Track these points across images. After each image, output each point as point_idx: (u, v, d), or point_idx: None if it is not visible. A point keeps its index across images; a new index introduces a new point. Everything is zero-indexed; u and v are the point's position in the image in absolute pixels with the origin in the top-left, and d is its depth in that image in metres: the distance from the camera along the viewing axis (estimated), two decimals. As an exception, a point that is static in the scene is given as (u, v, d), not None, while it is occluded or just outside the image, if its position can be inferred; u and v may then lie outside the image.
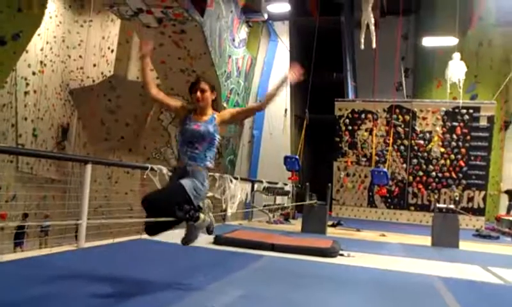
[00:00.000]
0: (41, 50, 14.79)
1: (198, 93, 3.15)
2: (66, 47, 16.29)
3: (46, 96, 15.17)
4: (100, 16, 16.65)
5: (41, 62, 14.76)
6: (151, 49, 3.26)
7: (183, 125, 3.16)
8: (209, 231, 3.31)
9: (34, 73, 14.43)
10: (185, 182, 2.96)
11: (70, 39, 16.49)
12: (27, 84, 14.20)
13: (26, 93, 14.18)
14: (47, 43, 15.06)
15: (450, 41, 12.86)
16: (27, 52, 13.02)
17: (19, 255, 4.25)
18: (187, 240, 3.26)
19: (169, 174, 3.23)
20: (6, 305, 2.50)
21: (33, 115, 14.55)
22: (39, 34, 13.87)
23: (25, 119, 14.19)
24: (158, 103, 3.36)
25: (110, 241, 5.10)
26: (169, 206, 2.91)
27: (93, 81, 16.57)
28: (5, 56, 10.31)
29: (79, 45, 16.69)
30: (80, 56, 16.66)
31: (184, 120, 3.17)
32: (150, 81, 3.23)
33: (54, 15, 15.40)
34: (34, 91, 14.54)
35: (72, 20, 16.60)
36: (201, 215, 3.11)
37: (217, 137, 3.17)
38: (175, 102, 3.34)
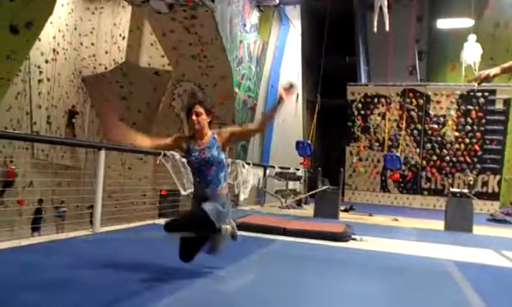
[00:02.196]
0: (54, 38, 14.86)
1: (194, 117, 3.17)
2: (78, 34, 16.35)
3: (59, 84, 15.30)
4: (111, 3, 16.65)
5: (53, 50, 14.85)
6: (115, 122, 3.36)
7: (189, 157, 3.23)
8: (233, 237, 3.33)
9: (47, 61, 14.54)
10: (207, 206, 3.01)
11: (82, 27, 16.54)
12: (41, 72, 14.32)
13: (40, 81, 14.31)
14: (59, 31, 15.13)
15: (466, 22, 12.59)
16: (39, 40, 13.08)
17: (36, 240, 4.34)
18: (212, 250, 3.27)
19: (192, 198, 3.27)
20: (25, 289, 2.57)
21: (47, 103, 14.70)
22: (51, 22, 13.92)
23: (40, 107, 14.34)
24: (160, 149, 3.46)
25: (125, 226, 5.19)
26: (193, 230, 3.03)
27: (105, 68, 16.64)
28: (18, 45, 10.37)
29: (91, 32, 16.73)
30: (92, 43, 16.71)
31: (188, 152, 3.22)
32: (141, 141, 3.29)
33: (65, 3, 15.44)
34: (48, 79, 14.67)
35: (84, 7, 16.63)
36: (223, 227, 3.14)
37: (224, 157, 3.20)
38: (171, 139, 3.37)
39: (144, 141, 3.30)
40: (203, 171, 3.14)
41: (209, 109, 3.26)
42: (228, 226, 3.18)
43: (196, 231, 3.04)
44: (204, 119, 3.19)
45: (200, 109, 3.19)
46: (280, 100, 3.10)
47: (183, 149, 3.29)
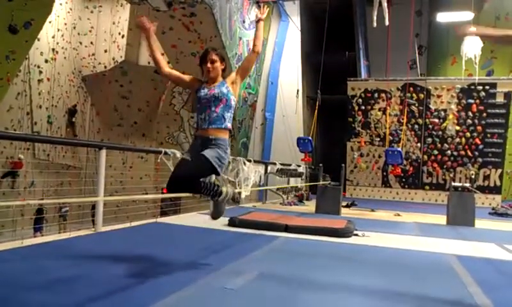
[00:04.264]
0: (53, 37, 14.85)
1: (209, 64, 3.23)
2: (77, 33, 16.33)
3: (59, 84, 15.29)
4: (110, 1, 16.62)
5: (53, 49, 14.83)
6: (150, 25, 3.30)
7: (198, 94, 3.26)
8: (235, 199, 3.40)
9: (46, 61, 14.53)
10: (209, 153, 3.09)
11: (81, 26, 16.52)
12: (40, 72, 14.32)
13: (40, 80, 14.30)
14: (58, 30, 15.11)
15: (466, 16, 12.54)
16: (38, 40, 13.08)
17: (39, 240, 4.35)
18: (216, 214, 3.41)
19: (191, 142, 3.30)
20: (28, 289, 2.58)
21: (47, 102, 14.70)
22: (50, 22, 13.91)
23: (40, 106, 14.35)
24: (172, 79, 3.47)
25: (127, 225, 5.19)
26: (195, 180, 3.08)
27: (105, 67, 16.63)
28: (17, 45, 10.37)
29: (90, 31, 16.71)
30: (91, 42, 16.70)
31: (198, 90, 3.28)
32: (160, 59, 3.33)
33: (64, 2, 15.41)
34: (48, 79, 14.67)
35: (82, 6, 16.60)
36: (223, 189, 3.23)
37: (232, 97, 3.26)
38: (187, 76, 3.45)
39: (164, 66, 3.33)
40: (211, 107, 3.18)
41: (223, 57, 3.34)
42: (228, 189, 3.23)
43: (199, 187, 3.10)
44: (218, 66, 3.25)
45: (215, 57, 3.25)
46: (258, 20, 3.30)
47: (194, 87, 3.34)
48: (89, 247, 3.93)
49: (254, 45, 3.39)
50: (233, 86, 3.28)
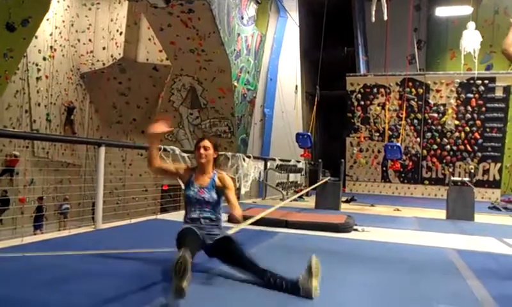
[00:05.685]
0: (51, 35, 14.81)
1: (202, 150, 3.26)
2: (75, 30, 16.29)
3: (58, 81, 15.27)
4: (108, -2, 16.57)
5: (51, 47, 14.80)
6: (163, 131, 3.26)
7: (188, 191, 3.27)
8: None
9: (44, 59, 14.50)
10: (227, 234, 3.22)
11: (79, 23, 16.47)
12: (39, 70, 14.29)
13: (38, 78, 14.28)
14: (56, 27, 15.07)
15: (465, 10, 12.53)
16: (36, 37, 13.04)
17: (39, 237, 4.35)
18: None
19: (187, 226, 3.21)
20: (29, 287, 2.58)
21: (46, 100, 14.68)
22: (48, 19, 13.87)
23: (39, 104, 14.32)
24: (162, 174, 3.48)
25: (126, 222, 5.19)
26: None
27: (103, 64, 16.60)
28: (15, 42, 10.35)
29: (88, 28, 16.67)
30: (89, 40, 16.66)
31: (188, 185, 3.28)
32: (155, 160, 3.27)
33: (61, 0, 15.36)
34: (46, 77, 14.64)
35: (80, 3, 16.55)
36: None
37: (221, 199, 3.29)
38: (178, 166, 3.47)
39: (155, 164, 3.26)
40: (201, 205, 3.22)
41: (217, 145, 3.37)
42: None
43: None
44: (211, 154, 3.28)
45: (208, 144, 3.28)
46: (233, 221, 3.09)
47: (183, 179, 3.35)
48: (89, 244, 3.93)
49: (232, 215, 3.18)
50: (220, 188, 3.26)
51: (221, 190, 3.27)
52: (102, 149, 4.76)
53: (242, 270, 2.95)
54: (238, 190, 8.09)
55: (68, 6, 15.83)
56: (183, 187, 3.40)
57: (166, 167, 3.44)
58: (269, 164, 9.96)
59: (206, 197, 3.22)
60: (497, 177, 11.93)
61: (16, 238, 4.06)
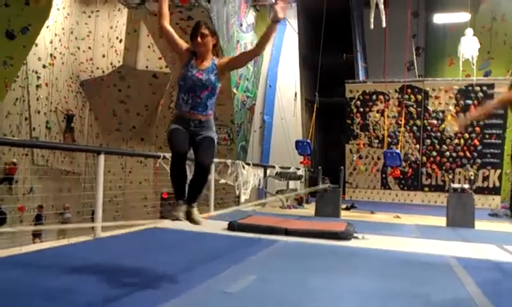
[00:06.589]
0: (51, 42, 14.86)
1: (199, 38, 3.15)
2: (74, 38, 16.34)
3: (57, 89, 15.29)
4: (107, 6, 16.64)
5: (51, 55, 14.84)
6: None
7: (185, 71, 3.16)
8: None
9: (44, 66, 14.53)
10: (214, 135, 3.18)
11: (79, 31, 16.53)
12: (38, 77, 14.31)
13: (38, 86, 14.30)
14: (56, 35, 15.12)
15: (462, 17, 12.58)
16: (36, 45, 13.09)
17: (38, 246, 4.33)
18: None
19: (174, 125, 3.19)
20: (26, 296, 2.56)
21: (45, 108, 14.69)
22: (47, 27, 13.93)
23: (38, 112, 14.33)
24: (166, 37, 3.32)
25: (126, 230, 5.17)
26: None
27: (103, 72, 16.64)
28: (15, 50, 10.39)
29: (88, 36, 16.73)
30: (89, 47, 16.71)
31: (186, 65, 3.18)
32: (165, 14, 3.27)
33: (61, 7, 15.43)
34: (46, 84, 14.66)
35: (80, 11, 16.62)
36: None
37: (219, 85, 3.20)
38: (182, 42, 3.31)
39: (165, 21, 3.26)
40: (195, 91, 3.11)
41: (214, 31, 3.26)
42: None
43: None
44: (209, 41, 3.18)
45: (206, 31, 3.17)
46: (276, 19, 2.96)
47: (182, 58, 3.24)
48: (88, 253, 3.92)
49: (258, 46, 3.25)
50: (221, 72, 3.18)
51: (224, 68, 3.19)
52: (102, 157, 4.75)
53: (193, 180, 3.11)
54: (238, 197, 8.09)
55: (68, 14, 15.90)
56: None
57: (171, 33, 3.29)
58: (268, 171, 9.95)
59: (203, 79, 3.10)
60: (497, 184, 11.91)
61: (15, 246, 4.04)
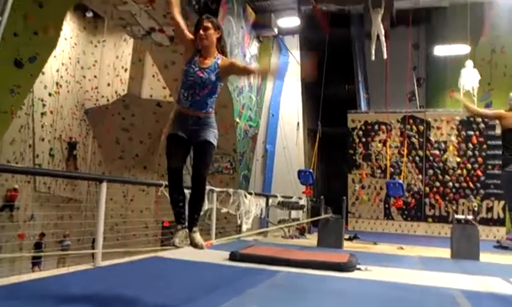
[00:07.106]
0: (57, 71, 15.12)
1: (201, 31, 3.13)
2: (81, 67, 16.64)
3: (62, 116, 15.46)
4: (114, 36, 17.01)
5: (57, 83, 15.08)
6: None
7: (187, 68, 3.17)
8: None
9: (50, 94, 14.74)
10: (213, 137, 3.22)
11: (85, 60, 16.85)
12: (44, 105, 14.50)
13: (43, 113, 14.47)
14: (63, 64, 15.41)
15: (463, 49, 12.76)
16: (43, 73, 13.31)
17: (37, 275, 4.28)
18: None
19: (173, 130, 3.21)
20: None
21: (50, 135, 14.81)
22: (55, 56, 14.20)
23: (42, 139, 14.45)
24: (177, 29, 3.31)
25: (126, 259, 5.12)
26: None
27: (108, 100, 16.85)
28: (22, 79, 10.54)
29: (94, 65, 17.04)
30: (94, 76, 16.99)
31: (189, 62, 3.18)
32: (176, 2, 3.26)
33: (69, 37, 15.77)
34: (51, 112, 14.84)
35: (87, 41, 16.98)
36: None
37: (220, 85, 3.20)
38: (189, 35, 3.29)
39: (176, 10, 3.23)
40: (195, 89, 3.11)
41: (218, 25, 3.24)
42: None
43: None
44: (212, 34, 3.15)
45: (208, 24, 3.15)
46: (274, 72, 3.37)
47: (188, 51, 3.22)
48: (88, 283, 3.87)
49: (256, 73, 3.44)
50: (222, 73, 3.19)
51: (225, 70, 3.16)
52: (104, 185, 4.75)
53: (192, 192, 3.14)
54: (239, 227, 8.03)
55: (76, 44, 16.24)
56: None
57: (181, 25, 3.25)
58: (270, 200, 9.91)
59: (204, 78, 3.08)
60: (501, 215, 11.82)
61: (14, 275, 4.00)
